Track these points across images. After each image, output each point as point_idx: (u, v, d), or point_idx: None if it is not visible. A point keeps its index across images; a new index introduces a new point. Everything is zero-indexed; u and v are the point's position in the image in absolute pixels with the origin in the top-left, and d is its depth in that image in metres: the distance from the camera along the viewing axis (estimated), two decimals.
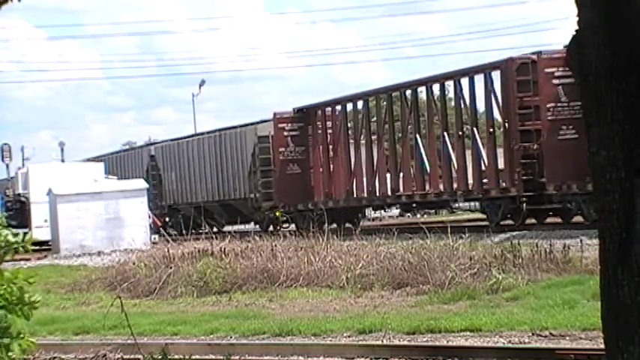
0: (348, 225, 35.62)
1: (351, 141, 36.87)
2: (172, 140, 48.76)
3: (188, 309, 18.19)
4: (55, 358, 13.24)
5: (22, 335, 5.95)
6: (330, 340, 13.24)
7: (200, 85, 70.46)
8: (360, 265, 19.40)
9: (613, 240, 4.86)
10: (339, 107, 37.79)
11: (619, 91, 4.81)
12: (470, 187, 31.04)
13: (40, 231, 36.23)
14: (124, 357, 12.73)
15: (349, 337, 13.51)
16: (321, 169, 37.79)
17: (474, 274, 17.49)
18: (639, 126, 4.80)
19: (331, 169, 37.39)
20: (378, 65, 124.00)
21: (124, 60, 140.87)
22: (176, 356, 12.32)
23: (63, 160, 55.39)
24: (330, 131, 37.52)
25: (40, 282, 21.95)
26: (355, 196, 36.48)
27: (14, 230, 6.40)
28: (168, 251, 22.93)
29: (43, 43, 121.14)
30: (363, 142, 36.66)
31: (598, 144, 4.90)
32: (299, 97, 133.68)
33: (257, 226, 41.03)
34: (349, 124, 37.24)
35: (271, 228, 38.76)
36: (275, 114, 38.87)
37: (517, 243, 19.11)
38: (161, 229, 42.62)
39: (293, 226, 36.61)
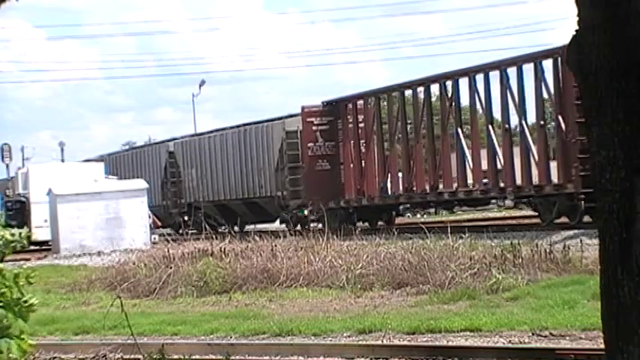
0: (380, 223, 34.87)
1: (386, 135, 35.23)
2: (192, 136, 46.88)
3: (188, 309, 18.18)
4: (55, 358, 13.24)
5: (22, 336, 5.95)
6: (330, 340, 13.24)
7: (200, 85, 70.54)
8: (360, 265, 19.39)
9: (613, 240, 4.86)
10: (372, 100, 35.96)
11: (619, 91, 4.81)
12: (519, 183, 29.21)
13: (40, 231, 36.25)
14: (124, 357, 12.72)
15: (349, 337, 13.51)
16: (352, 165, 36.01)
17: (474, 274, 17.49)
18: (639, 126, 4.80)
19: (363, 165, 35.66)
20: (378, 65, 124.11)
21: (123, 60, 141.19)
22: (176, 356, 12.33)
23: (63, 160, 55.43)
24: (361, 125, 35.83)
25: (40, 282, 22.02)
26: (391, 193, 34.68)
27: (13, 230, 6.40)
28: (168, 251, 22.94)
29: (42, 43, 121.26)
30: (398, 136, 34.86)
31: (598, 144, 4.90)
32: (299, 97, 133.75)
33: (283, 226, 38.33)
34: (383, 118, 35.34)
35: (299, 227, 36.18)
36: (303, 107, 37.15)
37: (517, 243, 19.11)
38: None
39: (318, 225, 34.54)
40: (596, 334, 11.07)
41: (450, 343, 12.31)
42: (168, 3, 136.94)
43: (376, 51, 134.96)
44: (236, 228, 38.64)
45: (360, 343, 12.69)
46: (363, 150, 35.62)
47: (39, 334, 14.66)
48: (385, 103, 35.52)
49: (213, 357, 12.42)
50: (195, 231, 36.68)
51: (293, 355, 12.32)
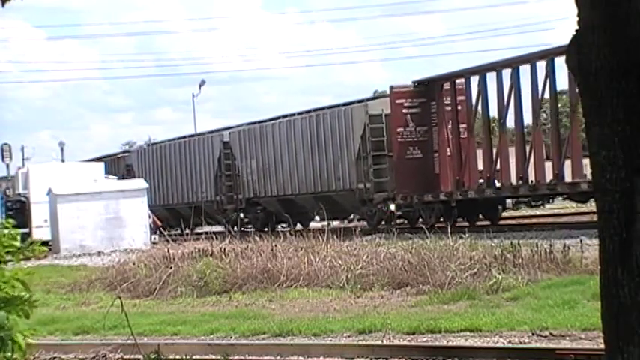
0: (482, 219, 31.53)
1: (493, 119, 30.92)
2: (251, 124, 41.84)
3: (188, 309, 18.18)
4: (55, 358, 13.24)
5: (24, 337, 5.94)
6: (330, 340, 13.24)
7: (200, 85, 70.44)
8: (360, 265, 19.39)
9: (613, 240, 4.85)
10: (475, 78, 31.02)
11: (619, 91, 4.81)
12: None
13: (40, 231, 36.25)
14: (124, 357, 12.72)
15: (349, 337, 13.51)
16: (448, 153, 31.66)
17: (474, 274, 17.49)
18: (639, 126, 4.80)
19: (463, 153, 31.32)
20: (378, 65, 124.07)
21: (123, 60, 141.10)
22: (176, 356, 12.33)
23: (63, 160, 55.41)
24: (460, 107, 31.40)
25: (40, 282, 22.07)
26: (501, 185, 30.05)
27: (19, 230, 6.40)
28: (168, 251, 22.94)
29: (42, 43, 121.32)
30: (510, 119, 30.37)
31: (598, 144, 4.90)
32: (299, 97, 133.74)
33: (362, 222, 35.60)
34: (489, 98, 30.69)
35: (383, 224, 32.82)
36: (392, 87, 32.96)
37: (517, 243, 19.11)
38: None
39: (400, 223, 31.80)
40: (596, 334, 11.07)
41: (450, 343, 12.31)
42: (167, 3, 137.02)
43: (376, 51, 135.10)
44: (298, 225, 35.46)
45: (360, 343, 12.69)
46: (463, 136, 31.41)
47: (39, 334, 14.65)
48: (494, 81, 30.38)
49: (213, 357, 12.42)
50: (252, 229, 35.79)
51: (293, 355, 12.32)
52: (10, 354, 5.87)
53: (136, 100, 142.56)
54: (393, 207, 32.73)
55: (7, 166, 48.74)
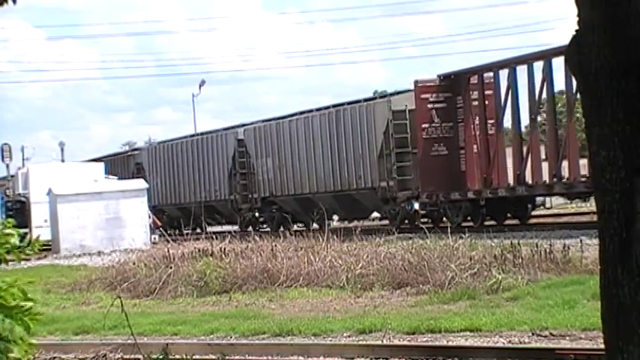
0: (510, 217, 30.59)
1: (523, 114, 29.45)
2: (266, 121, 40.86)
3: (188, 309, 18.19)
4: (55, 358, 13.24)
5: (23, 340, 5.91)
6: (330, 340, 13.25)
7: (200, 85, 70.42)
8: (360, 265, 19.39)
9: (613, 240, 4.85)
10: (504, 72, 30.05)
11: (619, 91, 4.81)
12: None
13: (40, 231, 36.19)
14: (124, 357, 12.72)
15: (349, 337, 13.51)
16: (475, 150, 30.67)
17: (474, 274, 17.48)
18: (639, 126, 4.80)
19: (491, 150, 30.31)
20: (378, 65, 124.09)
21: (122, 60, 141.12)
22: (176, 356, 12.33)
23: (63, 160, 55.39)
24: (487, 102, 30.32)
25: (40, 282, 22.08)
26: (534, 182, 28.83)
27: (19, 231, 6.38)
28: (168, 251, 22.95)
29: (42, 43, 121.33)
30: (541, 114, 29.58)
31: (598, 144, 4.89)
32: (299, 97, 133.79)
33: (381, 222, 34.67)
34: (519, 93, 29.55)
35: (404, 224, 31.91)
36: (417, 82, 31.75)
37: (517, 243, 19.11)
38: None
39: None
40: (596, 334, 11.08)
41: (450, 343, 12.31)
42: (167, 3, 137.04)
43: (376, 51, 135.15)
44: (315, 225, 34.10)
45: (360, 343, 12.69)
46: (491, 132, 30.41)
47: (39, 334, 14.66)
48: (525, 75, 29.30)
49: (213, 357, 12.42)
50: (267, 228, 35.29)
51: (293, 355, 12.32)
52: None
53: (136, 100, 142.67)
54: (417, 205, 31.82)
55: (7, 166, 48.69)
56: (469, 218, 30.10)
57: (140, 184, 37.29)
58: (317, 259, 20.11)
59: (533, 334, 12.50)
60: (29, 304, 5.81)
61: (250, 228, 38.09)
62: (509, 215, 30.64)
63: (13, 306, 5.77)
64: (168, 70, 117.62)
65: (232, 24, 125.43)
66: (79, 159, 56.61)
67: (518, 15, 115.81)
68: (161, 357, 11.72)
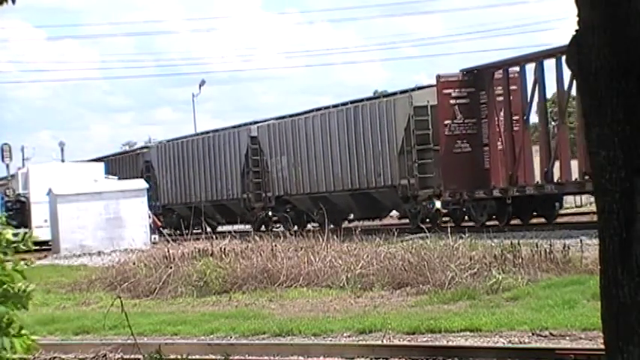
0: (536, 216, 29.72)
1: (552, 110, 28.75)
2: (280, 118, 39.96)
3: (188, 309, 18.19)
4: (55, 358, 13.24)
5: (23, 333, 5.96)
6: (330, 340, 13.25)
7: (200, 85, 70.45)
8: (360, 265, 19.39)
9: (613, 240, 4.85)
10: (530, 66, 29.05)
11: (619, 91, 4.81)
12: None
13: (40, 231, 36.22)
14: (124, 357, 12.72)
15: (349, 337, 13.51)
16: (500, 147, 29.77)
17: (474, 274, 17.48)
18: (639, 126, 4.80)
19: (516, 147, 29.31)
20: (378, 65, 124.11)
21: (122, 60, 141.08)
22: (177, 356, 12.33)
23: (63, 160, 55.41)
24: (512, 98, 29.36)
25: (40, 282, 22.06)
26: (564, 180, 27.82)
27: (14, 230, 6.42)
28: (168, 251, 22.94)
29: (42, 43, 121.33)
30: (570, 111, 28.40)
31: (598, 144, 4.90)
32: (299, 97, 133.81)
33: (402, 221, 33.57)
34: (546, 88, 28.77)
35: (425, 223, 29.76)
36: (439, 77, 30.73)
37: (517, 243, 19.11)
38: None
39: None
40: (596, 334, 11.08)
41: (450, 343, 12.31)
42: (167, 3, 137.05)
43: (375, 51, 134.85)
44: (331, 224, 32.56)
45: (360, 343, 12.69)
46: (516, 128, 29.37)
47: (39, 334, 14.65)
48: (553, 69, 28.20)
49: (213, 357, 12.42)
50: (281, 228, 34.69)
51: (293, 355, 12.32)
52: (9, 355, 5.87)
53: (136, 100, 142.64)
54: (438, 204, 30.94)
55: (7, 166, 48.72)
56: (494, 217, 29.52)
57: (140, 184, 37.28)
58: (317, 259, 20.11)
59: (533, 334, 12.50)
60: (24, 286, 5.95)
61: (263, 227, 37.52)
62: (534, 214, 29.91)
63: (13, 293, 5.89)
64: (168, 70, 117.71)
65: (232, 24, 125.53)
66: (79, 159, 56.61)
67: (518, 15, 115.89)
68: (157, 358, 11.70)
